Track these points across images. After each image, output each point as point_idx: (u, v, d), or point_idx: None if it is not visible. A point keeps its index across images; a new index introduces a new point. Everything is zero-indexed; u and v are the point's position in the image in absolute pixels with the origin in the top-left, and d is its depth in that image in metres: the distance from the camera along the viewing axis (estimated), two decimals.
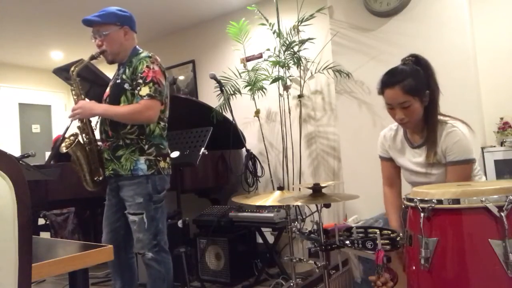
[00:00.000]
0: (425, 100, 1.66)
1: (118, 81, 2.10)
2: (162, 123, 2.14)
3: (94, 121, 2.18)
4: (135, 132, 2.05)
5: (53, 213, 3.97)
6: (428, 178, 1.72)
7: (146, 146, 2.06)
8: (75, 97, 2.13)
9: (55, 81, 5.14)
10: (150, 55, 2.09)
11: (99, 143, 2.18)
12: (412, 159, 1.77)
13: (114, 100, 2.09)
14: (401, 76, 1.63)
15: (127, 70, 2.08)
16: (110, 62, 2.17)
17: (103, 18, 2.08)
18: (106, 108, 2.06)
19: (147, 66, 2.02)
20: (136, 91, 2.02)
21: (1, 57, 5.15)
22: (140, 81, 2.01)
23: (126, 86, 2.05)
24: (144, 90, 1.99)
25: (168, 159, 2.15)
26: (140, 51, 2.16)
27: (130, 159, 2.04)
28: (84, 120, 2.11)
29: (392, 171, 1.90)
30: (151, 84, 2.00)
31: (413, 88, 1.61)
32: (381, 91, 1.70)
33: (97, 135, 2.18)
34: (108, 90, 2.19)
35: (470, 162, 1.63)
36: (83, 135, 2.13)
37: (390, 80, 1.66)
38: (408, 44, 2.72)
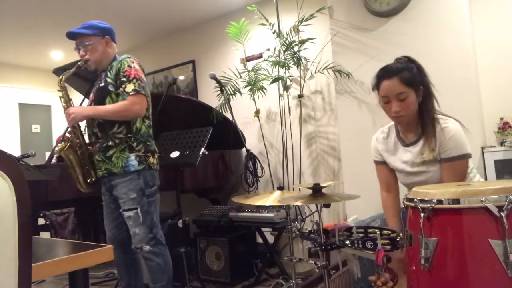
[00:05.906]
0: (420, 95, 1.69)
1: (102, 84, 2.20)
2: (147, 121, 2.25)
3: (83, 126, 2.27)
4: (123, 131, 2.15)
5: (53, 213, 3.97)
6: (423, 176, 1.72)
7: (135, 144, 2.17)
8: (64, 104, 2.23)
9: (55, 81, 5.09)
10: (129, 56, 2.22)
11: (89, 146, 2.27)
12: (403, 158, 1.77)
13: (99, 102, 2.19)
14: (398, 69, 1.68)
15: (109, 73, 2.19)
16: (93, 70, 2.28)
17: (86, 30, 2.22)
18: (95, 108, 2.16)
19: (128, 66, 2.15)
20: (121, 89, 2.12)
21: (1, 57, 5.15)
22: (124, 79, 2.12)
23: (111, 87, 2.16)
24: (129, 87, 2.10)
25: (156, 155, 2.26)
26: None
27: (121, 157, 2.14)
28: (75, 125, 2.21)
29: (388, 175, 1.89)
30: (134, 81, 2.11)
31: (410, 79, 1.66)
32: (377, 84, 1.73)
33: (86, 139, 2.28)
34: (92, 95, 2.28)
35: (465, 157, 1.64)
36: (75, 139, 2.22)
37: (387, 72, 1.70)
38: (408, 44, 2.72)
